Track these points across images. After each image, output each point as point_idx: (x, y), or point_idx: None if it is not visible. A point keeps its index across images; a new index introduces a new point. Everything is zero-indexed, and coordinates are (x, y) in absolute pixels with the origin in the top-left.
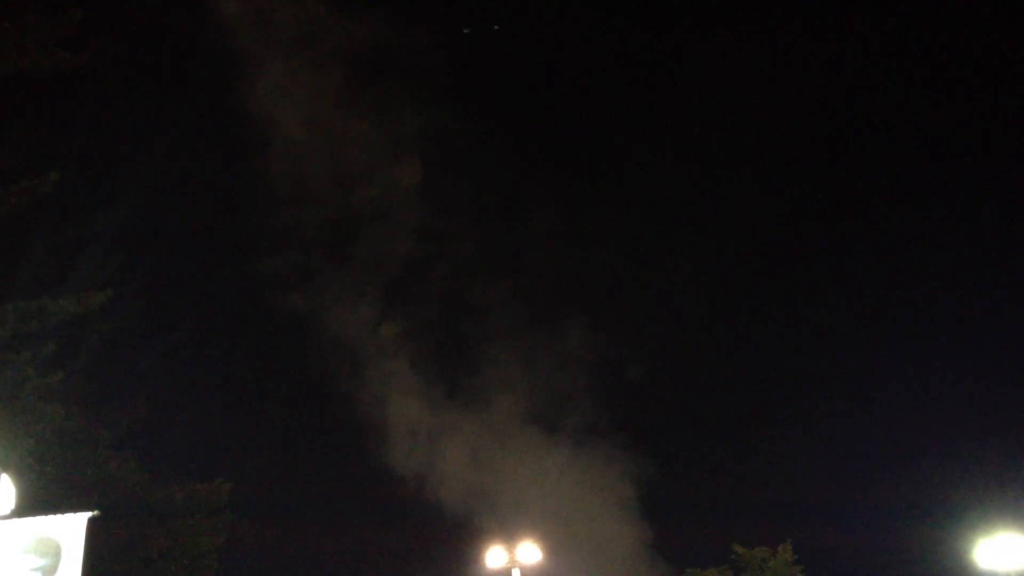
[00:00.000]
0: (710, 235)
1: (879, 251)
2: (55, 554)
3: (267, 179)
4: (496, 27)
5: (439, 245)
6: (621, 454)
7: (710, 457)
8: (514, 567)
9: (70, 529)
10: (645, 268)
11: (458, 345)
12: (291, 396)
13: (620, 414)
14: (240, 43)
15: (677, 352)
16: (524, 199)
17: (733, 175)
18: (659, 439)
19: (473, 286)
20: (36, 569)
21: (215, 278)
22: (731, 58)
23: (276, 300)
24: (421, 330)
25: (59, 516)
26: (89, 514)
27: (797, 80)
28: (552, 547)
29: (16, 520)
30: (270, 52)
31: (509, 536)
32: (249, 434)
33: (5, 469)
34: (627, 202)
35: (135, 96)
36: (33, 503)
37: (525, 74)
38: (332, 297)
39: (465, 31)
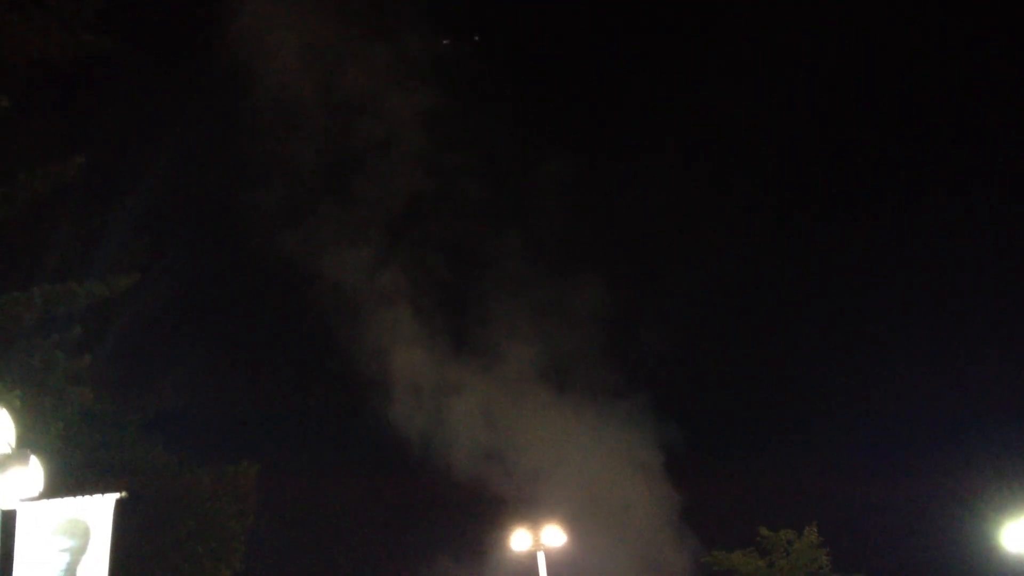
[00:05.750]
0: (735, 196)
1: (916, 231)
2: (84, 535)
3: (259, 108)
4: None
5: (444, 183)
6: (643, 418)
7: (734, 435)
8: (539, 550)
9: (98, 510)
10: (665, 228)
11: (464, 296)
12: (294, 355)
13: (640, 379)
14: None
15: (699, 322)
16: (537, 142)
17: (763, 128)
18: (681, 408)
19: (480, 234)
20: (65, 550)
21: (208, 223)
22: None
23: (273, 244)
24: (426, 278)
25: (87, 497)
26: (117, 495)
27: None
28: (574, 517)
29: (45, 501)
30: None
31: (532, 512)
32: (263, 409)
33: (34, 451)
34: (647, 156)
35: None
36: (62, 485)
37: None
38: (331, 237)
39: None
